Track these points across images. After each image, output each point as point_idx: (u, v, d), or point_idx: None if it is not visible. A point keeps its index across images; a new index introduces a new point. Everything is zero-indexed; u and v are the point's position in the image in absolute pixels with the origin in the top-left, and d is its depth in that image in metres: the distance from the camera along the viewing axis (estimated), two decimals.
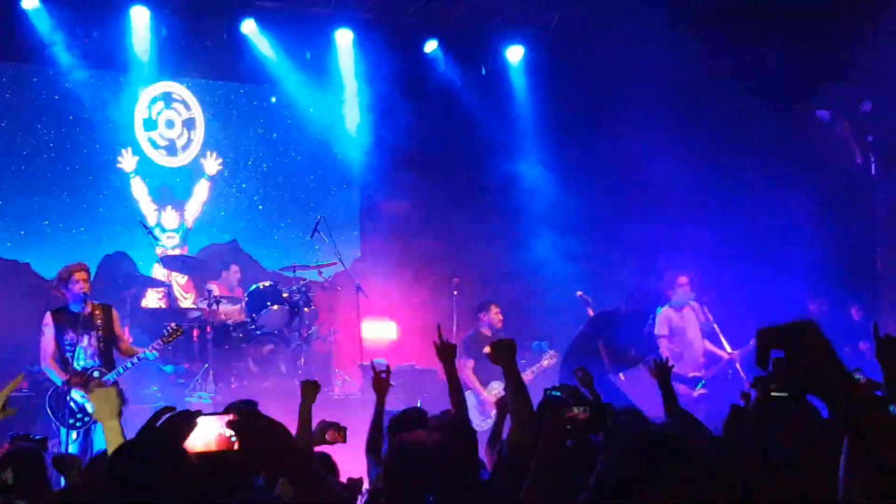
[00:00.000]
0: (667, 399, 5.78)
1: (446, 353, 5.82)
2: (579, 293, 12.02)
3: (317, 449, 5.63)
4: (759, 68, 14.24)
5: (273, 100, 14.85)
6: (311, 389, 5.80)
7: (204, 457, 3.28)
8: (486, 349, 5.06)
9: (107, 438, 3.70)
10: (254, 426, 2.80)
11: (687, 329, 11.58)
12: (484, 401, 11.20)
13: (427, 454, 3.78)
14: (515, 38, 15.21)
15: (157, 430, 3.31)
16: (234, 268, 13.23)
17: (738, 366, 11.19)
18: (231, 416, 2.97)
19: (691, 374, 11.19)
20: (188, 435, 3.33)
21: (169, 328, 9.41)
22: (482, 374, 11.28)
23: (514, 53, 15.28)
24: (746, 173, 13.90)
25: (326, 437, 5.77)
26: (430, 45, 14.94)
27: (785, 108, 14.45)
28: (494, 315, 11.69)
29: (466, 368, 11.25)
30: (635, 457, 1.96)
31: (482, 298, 12.16)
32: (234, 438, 2.96)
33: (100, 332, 9.20)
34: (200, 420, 3.34)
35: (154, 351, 9.18)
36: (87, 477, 3.60)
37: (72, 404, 8.97)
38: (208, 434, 3.35)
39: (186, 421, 3.34)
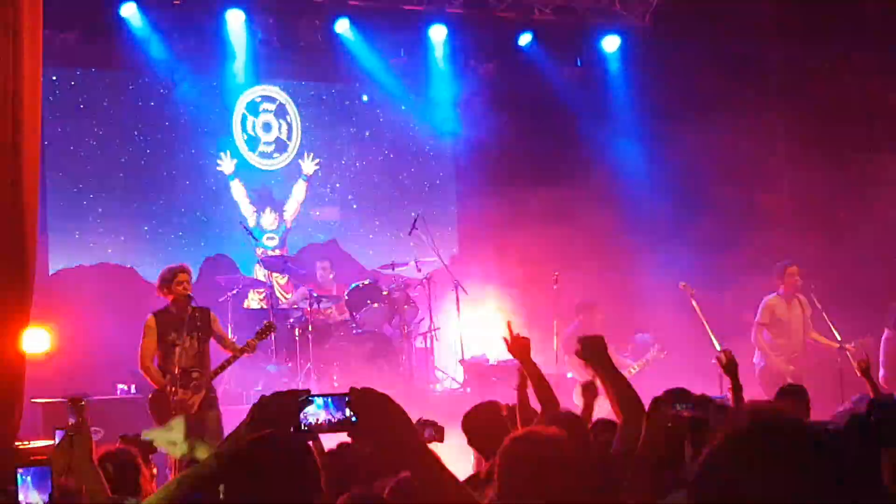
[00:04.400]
0: (736, 392, 5.88)
1: (518, 348, 5.66)
2: (682, 284, 11.78)
3: None
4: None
5: (365, 98, 14.88)
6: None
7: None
8: (575, 346, 4.70)
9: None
10: (373, 402, 2.73)
11: (791, 321, 11.41)
12: None
13: (546, 453, 3.39)
14: (611, 29, 15.00)
15: (269, 413, 3.27)
16: (319, 264, 13.23)
17: (848, 354, 10.84)
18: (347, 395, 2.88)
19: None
20: (298, 413, 3.29)
21: (263, 324, 9.47)
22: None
23: (610, 43, 15.06)
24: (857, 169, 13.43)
25: (424, 435, 5.71)
26: (525, 38, 14.81)
27: None
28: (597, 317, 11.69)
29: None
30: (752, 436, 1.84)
31: (586, 299, 12.10)
32: (353, 418, 2.87)
33: (199, 334, 9.28)
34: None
35: (250, 348, 9.20)
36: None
37: (173, 407, 9.02)
38: (324, 416, 3.29)
39: (294, 400, 3.30)
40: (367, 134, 14.88)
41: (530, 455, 3.32)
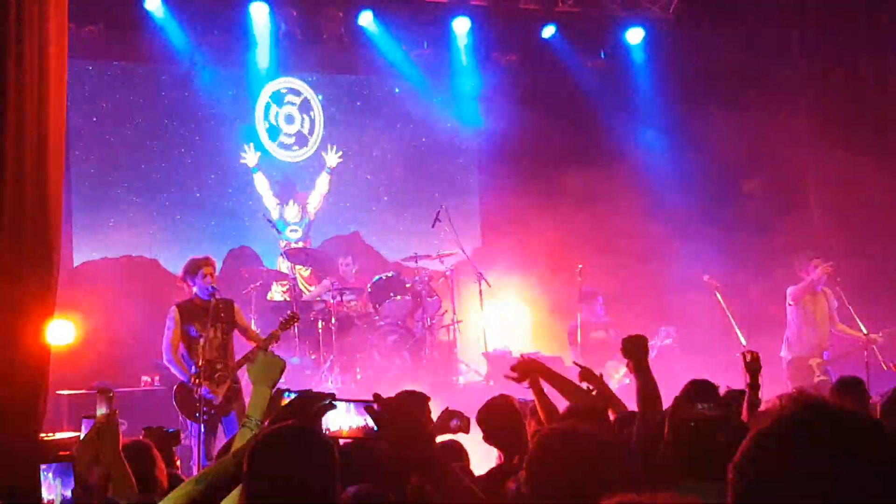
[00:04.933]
0: (753, 390, 5.93)
1: (528, 370, 5.70)
2: (707, 277, 11.74)
3: (444, 438, 5.56)
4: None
5: (396, 90, 14.87)
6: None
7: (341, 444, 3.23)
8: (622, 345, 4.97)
9: (253, 402, 3.69)
10: (396, 415, 2.72)
11: (816, 312, 11.33)
12: None
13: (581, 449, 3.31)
14: (635, 21, 14.93)
15: (291, 413, 3.30)
16: (342, 260, 13.23)
17: (874, 348, 10.77)
18: (371, 402, 2.88)
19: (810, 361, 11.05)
20: (321, 416, 3.30)
21: (286, 315, 9.47)
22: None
23: (634, 36, 15.00)
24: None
25: (451, 425, 5.70)
26: (548, 31, 14.75)
27: None
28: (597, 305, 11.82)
29: None
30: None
31: (586, 288, 12.17)
32: (374, 427, 2.88)
33: (223, 325, 9.31)
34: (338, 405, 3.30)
35: (273, 338, 9.16)
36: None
37: (197, 398, 9.03)
38: (346, 420, 3.30)
39: (318, 403, 3.31)
40: (390, 126, 14.86)
41: (565, 452, 3.29)
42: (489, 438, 5.75)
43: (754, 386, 6.01)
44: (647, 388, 4.79)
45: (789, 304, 11.37)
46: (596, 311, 12.60)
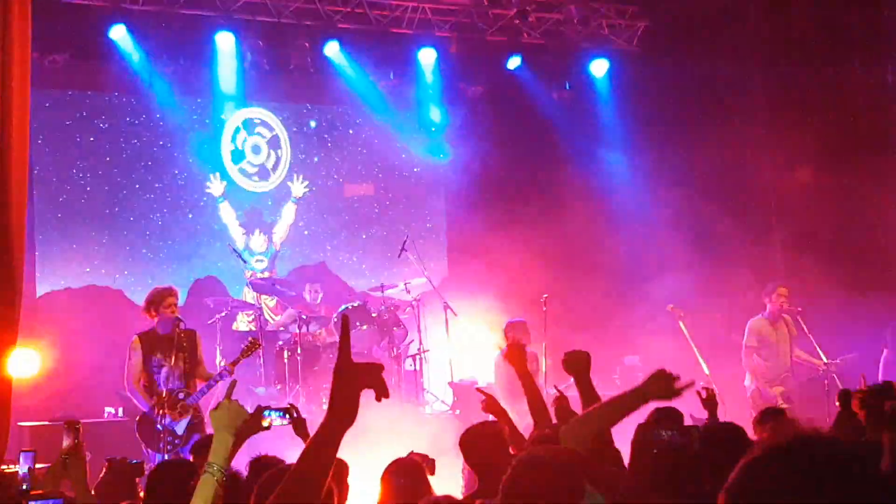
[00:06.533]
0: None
1: (514, 354, 5.80)
2: (670, 307, 11.80)
3: None
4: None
5: (361, 121, 14.90)
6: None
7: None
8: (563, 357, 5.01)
9: (215, 449, 3.66)
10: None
11: (778, 342, 11.45)
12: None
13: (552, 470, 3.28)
14: (600, 53, 15.07)
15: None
16: (310, 286, 13.19)
17: (834, 376, 10.90)
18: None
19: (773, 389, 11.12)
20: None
21: (247, 342, 9.44)
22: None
23: (599, 67, 15.13)
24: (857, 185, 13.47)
25: None
26: (514, 62, 14.85)
27: None
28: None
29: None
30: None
31: (515, 318, 12.01)
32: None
33: (185, 355, 9.26)
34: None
35: (230, 368, 9.11)
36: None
37: (160, 428, 8.99)
38: None
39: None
40: (356, 156, 14.89)
41: (539, 480, 3.27)
42: (470, 461, 5.74)
43: (713, 422, 6.05)
44: (590, 401, 4.69)
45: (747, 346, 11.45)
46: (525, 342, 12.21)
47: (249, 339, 9.59)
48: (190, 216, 13.91)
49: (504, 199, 14.69)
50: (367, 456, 6.06)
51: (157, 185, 13.76)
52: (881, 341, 11.68)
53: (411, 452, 5.74)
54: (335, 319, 12.49)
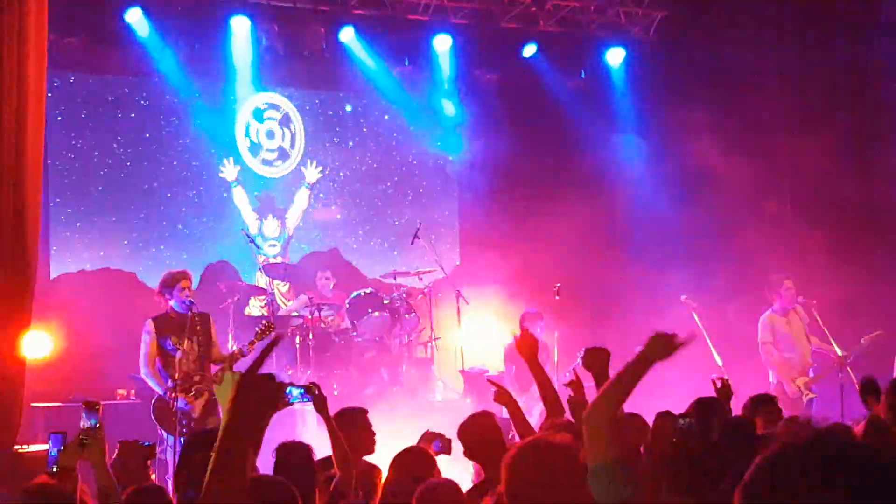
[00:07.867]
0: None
1: (526, 346, 5.68)
2: (684, 297, 11.77)
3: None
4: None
5: (377, 107, 14.85)
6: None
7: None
8: (579, 355, 4.95)
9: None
10: None
11: (793, 334, 11.37)
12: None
13: (555, 460, 3.31)
14: (616, 42, 15.00)
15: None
16: (321, 273, 13.19)
17: (848, 368, 10.82)
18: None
19: (797, 381, 11.05)
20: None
21: (261, 324, 9.44)
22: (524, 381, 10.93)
23: (615, 56, 15.06)
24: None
25: (433, 448, 5.69)
26: (529, 50, 14.79)
27: None
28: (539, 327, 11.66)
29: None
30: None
31: (531, 309, 12.05)
32: None
33: (199, 338, 9.28)
34: None
35: (244, 348, 9.17)
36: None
37: (176, 411, 9.00)
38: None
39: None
40: (370, 142, 14.88)
41: (539, 462, 3.28)
42: (470, 453, 5.73)
43: (727, 412, 6.00)
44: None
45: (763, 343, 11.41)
46: (537, 333, 12.25)
47: (264, 320, 9.58)
48: (204, 202, 13.91)
49: (518, 187, 14.66)
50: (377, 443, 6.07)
51: (171, 169, 13.76)
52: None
53: (427, 431, 5.75)
54: (347, 305, 12.49)
